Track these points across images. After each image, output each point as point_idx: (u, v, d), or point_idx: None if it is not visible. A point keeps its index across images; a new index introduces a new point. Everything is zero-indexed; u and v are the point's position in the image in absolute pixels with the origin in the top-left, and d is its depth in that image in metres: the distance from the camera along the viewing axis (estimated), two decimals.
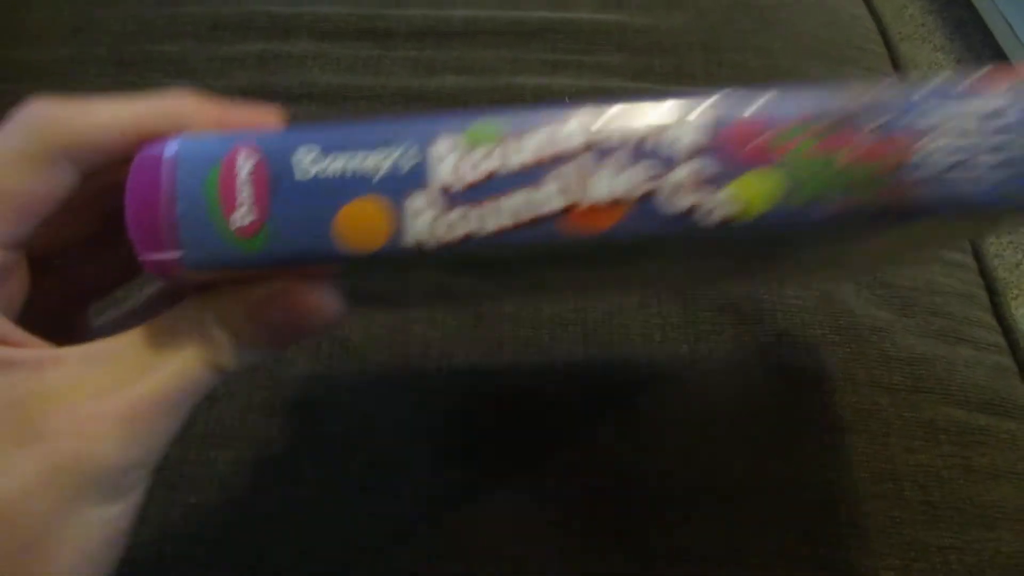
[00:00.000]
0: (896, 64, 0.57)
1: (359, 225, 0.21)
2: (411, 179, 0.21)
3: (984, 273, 0.46)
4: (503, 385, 0.39)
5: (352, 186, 0.21)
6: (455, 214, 0.21)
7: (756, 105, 0.21)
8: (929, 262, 0.45)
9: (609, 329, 0.42)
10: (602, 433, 0.38)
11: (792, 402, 0.39)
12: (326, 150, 0.21)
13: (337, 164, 0.21)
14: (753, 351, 0.40)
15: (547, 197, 0.21)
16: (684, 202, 0.20)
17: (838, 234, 0.23)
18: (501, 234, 0.21)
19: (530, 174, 0.21)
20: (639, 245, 0.22)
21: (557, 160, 0.21)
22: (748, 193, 0.20)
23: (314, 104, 0.52)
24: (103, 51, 0.56)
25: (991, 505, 0.36)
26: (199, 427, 0.37)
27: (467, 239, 0.21)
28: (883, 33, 0.59)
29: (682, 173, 0.21)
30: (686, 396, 0.39)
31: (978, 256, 0.47)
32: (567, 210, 0.21)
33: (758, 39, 0.55)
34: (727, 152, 0.21)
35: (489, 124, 0.21)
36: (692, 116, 0.21)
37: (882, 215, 0.20)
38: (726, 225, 0.20)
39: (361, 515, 0.36)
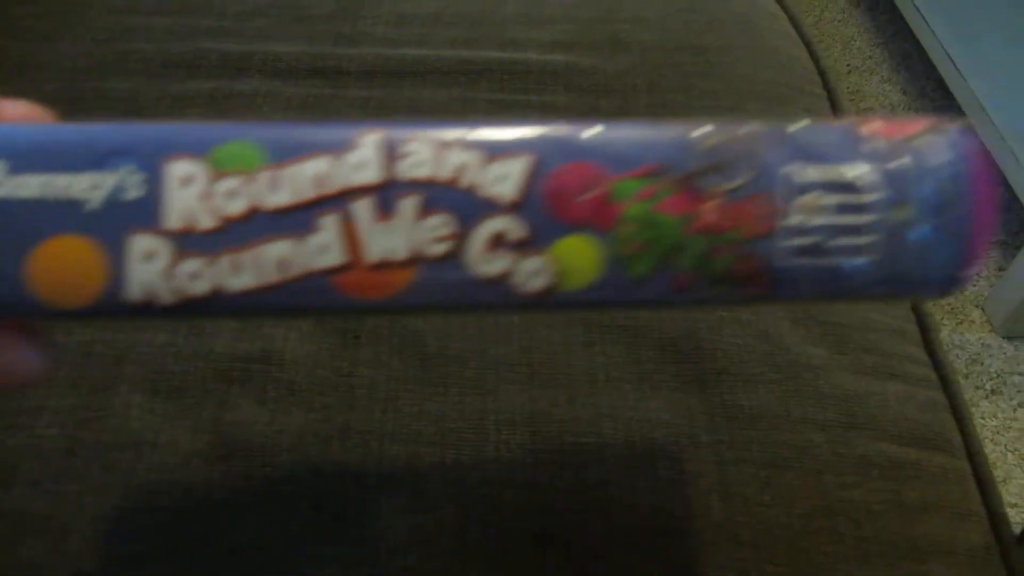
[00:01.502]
0: (835, 105, 0.59)
1: (62, 271, 0.16)
2: (134, 213, 0.16)
3: (915, 308, 0.47)
4: (447, 428, 0.40)
5: (52, 218, 0.16)
6: (196, 263, 0.16)
7: (586, 146, 0.17)
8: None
9: (554, 369, 0.42)
10: (546, 475, 0.38)
11: (730, 440, 0.40)
12: (16, 168, 0.16)
13: (31, 186, 0.16)
14: (694, 389, 0.41)
15: (320, 249, 0.16)
16: (491, 268, 0.16)
17: (687, 307, 0.19)
18: (260, 293, 0.16)
19: (298, 217, 0.16)
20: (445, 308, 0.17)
21: (336, 200, 0.16)
22: (571, 261, 0.17)
23: None
24: (52, 88, 0.56)
25: (921, 538, 0.38)
26: (138, 475, 0.37)
27: (214, 296, 0.16)
28: (822, 74, 0.61)
29: (488, 232, 0.17)
30: (629, 436, 0.40)
31: None
32: (346, 267, 0.16)
33: (700, 81, 0.57)
34: (546, 209, 0.17)
35: (245, 145, 0.17)
36: (508, 162, 0.17)
37: (734, 293, 0.17)
38: (543, 298, 0.17)
39: (307, 562, 0.36)
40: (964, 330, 1.13)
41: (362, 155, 0.16)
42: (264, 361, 0.41)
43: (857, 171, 0.17)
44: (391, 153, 0.17)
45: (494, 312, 0.18)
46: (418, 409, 0.41)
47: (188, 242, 0.16)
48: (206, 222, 0.16)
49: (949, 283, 0.18)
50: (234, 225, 0.16)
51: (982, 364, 1.10)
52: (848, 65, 1.49)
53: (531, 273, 0.17)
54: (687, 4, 0.63)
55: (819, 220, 0.17)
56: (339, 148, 0.17)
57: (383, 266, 0.16)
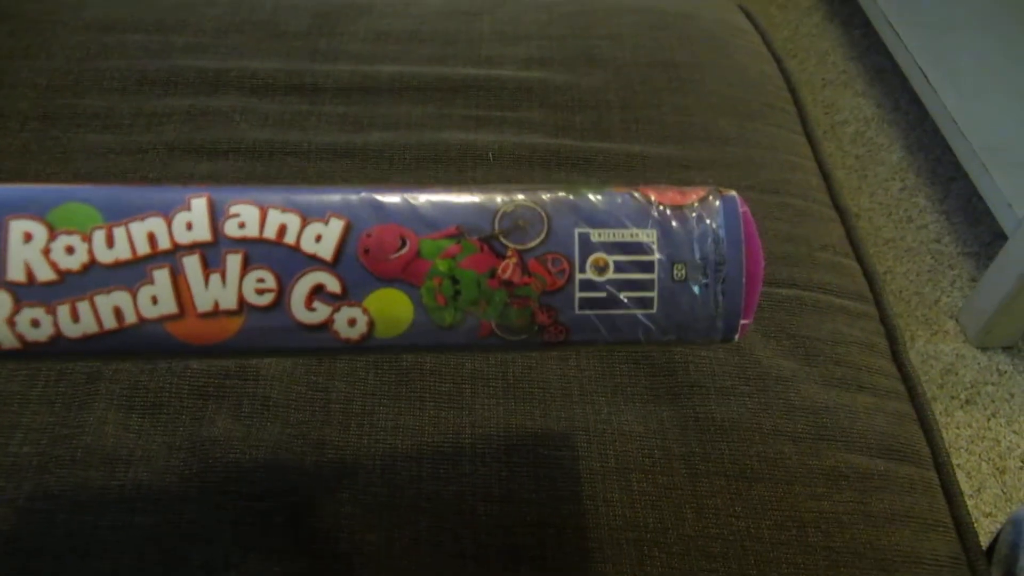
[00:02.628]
0: (804, 121, 0.60)
1: None
2: None
3: (884, 321, 0.48)
4: (423, 442, 0.40)
5: None
6: (36, 311, 0.18)
7: (395, 211, 0.19)
8: None
9: (529, 383, 0.43)
10: (520, 488, 0.39)
11: (702, 452, 0.40)
12: None
13: None
14: (666, 402, 0.42)
15: (153, 299, 0.18)
16: (312, 317, 0.19)
17: (494, 351, 0.22)
18: (98, 339, 0.18)
19: (132, 270, 0.18)
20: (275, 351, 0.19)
21: (167, 256, 0.18)
22: (384, 311, 0.19)
23: (241, 159, 0.53)
24: (26, 105, 0.56)
25: (889, 549, 0.38)
26: (113, 492, 0.37)
27: (55, 341, 0.18)
28: (792, 91, 0.62)
29: (308, 285, 0.19)
30: (603, 449, 0.40)
31: (879, 304, 0.49)
32: (178, 316, 0.18)
33: (673, 97, 0.58)
34: (360, 265, 0.19)
35: (83, 206, 0.18)
36: (325, 224, 0.19)
37: (535, 340, 0.19)
38: (361, 343, 0.19)
39: None
40: (938, 341, 1.15)
41: (191, 216, 0.18)
42: (240, 377, 0.41)
43: (641, 234, 0.20)
44: (218, 214, 0.18)
45: (320, 356, 0.20)
46: (394, 424, 0.41)
47: (28, 293, 0.18)
48: (45, 274, 0.18)
49: (727, 331, 0.20)
50: (72, 277, 0.18)
51: (956, 374, 1.11)
52: (823, 79, 1.51)
53: (349, 321, 0.19)
54: (659, 21, 0.64)
55: (608, 277, 0.20)
56: (170, 209, 0.18)
57: (212, 315, 0.18)
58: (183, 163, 0.52)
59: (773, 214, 0.52)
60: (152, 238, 0.18)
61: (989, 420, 1.07)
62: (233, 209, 0.19)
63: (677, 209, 0.21)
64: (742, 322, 0.21)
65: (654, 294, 0.20)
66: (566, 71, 0.59)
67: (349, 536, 0.37)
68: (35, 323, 0.18)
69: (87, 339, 0.18)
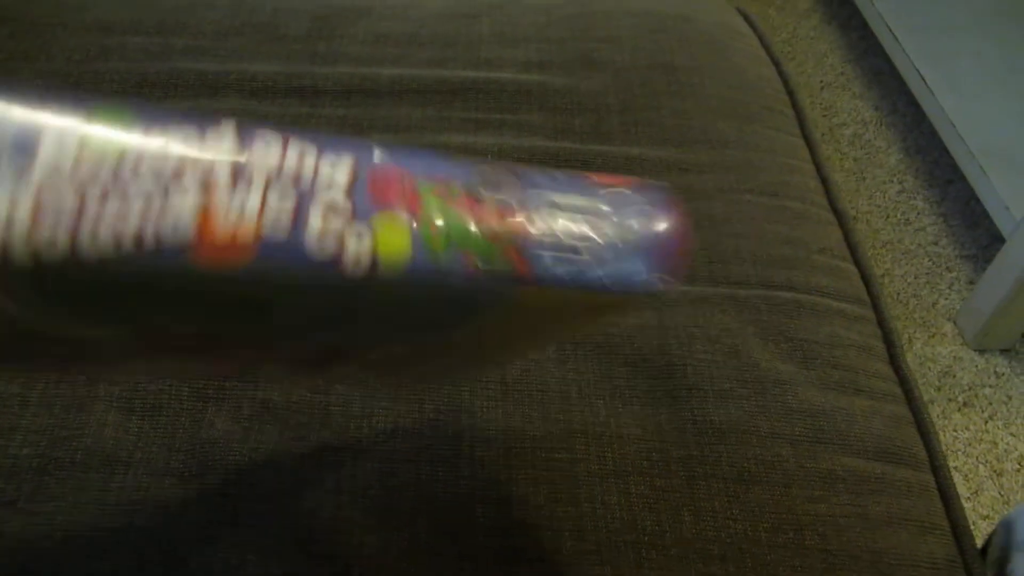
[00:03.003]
0: (802, 123, 0.61)
1: None
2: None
3: (882, 324, 0.49)
4: (422, 445, 0.40)
5: None
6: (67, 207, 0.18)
7: (394, 157, 0.22)
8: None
9: (528, 385, 0.43)
10: (518, 491, 0.39)
11: (700, 455, 0.40)
12: None
13: None
14: (664, 405, 0.42)
15: (179, 209, 0.18)
16: (327, 231, 0.20)
17: (469, 299, 0.24)
18: (119, 241, 0.18)
19: (160, 178, 0.19)
20: (273, 287, 0.20)
21: (191, 169, 0.19)
22: (387, 233, 0.21)
23: None
24: None
25: (886, 552, 0.38)
26: (113, 494, 0.37)
27: (75, 246, 0.18)
28: (791, 94, 0.63)
29: (324, 204, 0.20)
30: (601, 451, 0.40)
31: (876, 308, 0.49)
32: (200, 231, 0.19)
33: (672, 100, 0.58)
34: (369, 192, 0.21)
35: (119, 110, 0.19)
36: (339, 156, 0.21)
37: (508, 277, 0.22)
38: (372, 273, 0.20)
39: None
40: (936, 343, 1.15)
41: (221, 133, 0.20)
42: (240, 379, 0.41)
43: (595, 202, 0.24)
44: (244, 137, 0.20)
45: (330, 294, 0.22)
46: (393, 426, 0.41)
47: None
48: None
49: (654, 286, 0.25)
50: (103, 179, 0.18)
51: (954, 377, 1.11)
52: (821, 81, 1.52)
53: (358, 236, 0.20)
54: (658, 24, 0.64)
55: (566, 231, 0.24)
56: (202, 126, 0.20)
57: (232, 235, 0.19)
58: None
59: (772, 217, 0.52)
60: (185, 144, 0.19)
61: (986, 423, 1.07)
62: (259, 132, 0.20)
63: (619, 190, 0.25)
64: (666, 282, 0.25)
65: (600, 250, 0.24)
66: (565, 74, 0.59)
67: (347, 538, 0.37)
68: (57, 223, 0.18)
69: (106, 247, 0.18)
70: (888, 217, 1.31)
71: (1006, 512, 0.98)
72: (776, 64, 0.65)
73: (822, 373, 0.44)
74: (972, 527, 0.41)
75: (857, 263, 0.52)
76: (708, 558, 0.37)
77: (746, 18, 0.71)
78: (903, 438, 0.43)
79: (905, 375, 0.46)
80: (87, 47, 0.60)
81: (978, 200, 1.22)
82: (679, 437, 0.41)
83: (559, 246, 0.23)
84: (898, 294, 1.20)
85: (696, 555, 0.37)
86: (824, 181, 0.57)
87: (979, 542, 0.42)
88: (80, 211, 0.18)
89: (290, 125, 0.55)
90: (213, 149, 0.19)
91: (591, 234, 0.24)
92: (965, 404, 1.09)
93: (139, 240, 0.18)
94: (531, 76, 0.59)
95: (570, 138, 0.55)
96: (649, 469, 0.39)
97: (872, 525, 0.39)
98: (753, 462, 0.40)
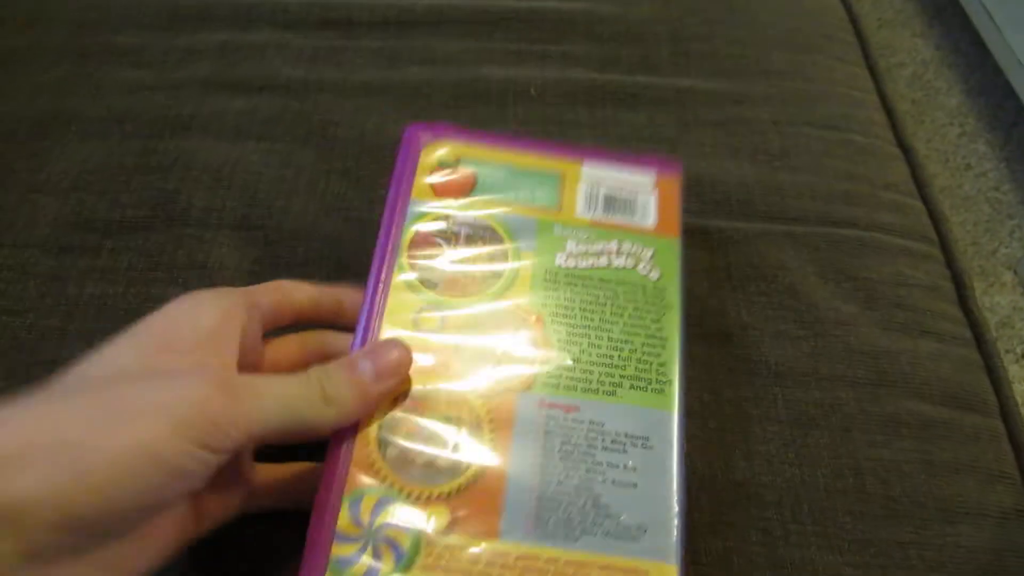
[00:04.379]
0: (866, 54, 0.57)
1: None
2: None
3: (951, 265, 0.46)
4: None
5: None
6: None
7: None
8: None
9: None
10: None
11: (755, 397, 0.38)
12: None
13: None
14: (717, 345, 0.40)
15: None
16: None
17: None
18: None
19: None
20: None
21: None
22: None
23: (276, 96, 0.51)
24: (60, 40, 0.55)
25: (952, 499, 0.36)
26: None
27: None
28: (853, 22, 0.59)
29: None
30: None
31: (945, 247, 0.46)
32: None
33: (725, 29, 0.55)
34: None
35: None
36: None
37: None
38: None
39: None
40: (995, 293, 1.11)
41: None
42: None
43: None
44: None
45: None
46: None
47: None
48: None
49: None
50: None
51: (1013, 328, 1.07)
52: (879, 19, 1.45)
53: None
54: None
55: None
56: None
57: None
58: (217, 99, 0.51)
59: (833, 152, 0.49)
60: None
61: None
62: None
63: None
64: None
65: None
66: (611, 2, 0.56)
67: None
68: None
69: None
70: (948, 162, 1.25)
71: None
72: None
73: (886, 313, 0.41)
74: None
75: (925, 200, 0.49)
76: (762, 503, 0.35)
77: None
78: (972, 383, 0.40)
79: (976, 318, 0.43)
80: None
81: None
82: (732, 378, 0.39)
83: None
84: (956, 241, 1.16)
85: (749, 500, 0.35)
86: (890, 114, 0.54)
87: None
88: None
89: (326, 59, 0.54)
90: None
91: None
92: (1023, 356, 1.05)
93: None
94: (575, 4, 0.56)
95: (617, 69, 0.53)
96: (701, 411, 0.38)
97: (937, 472, 0.37)
98: (811, 405, 0.38)
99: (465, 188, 0.36)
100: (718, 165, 0.47)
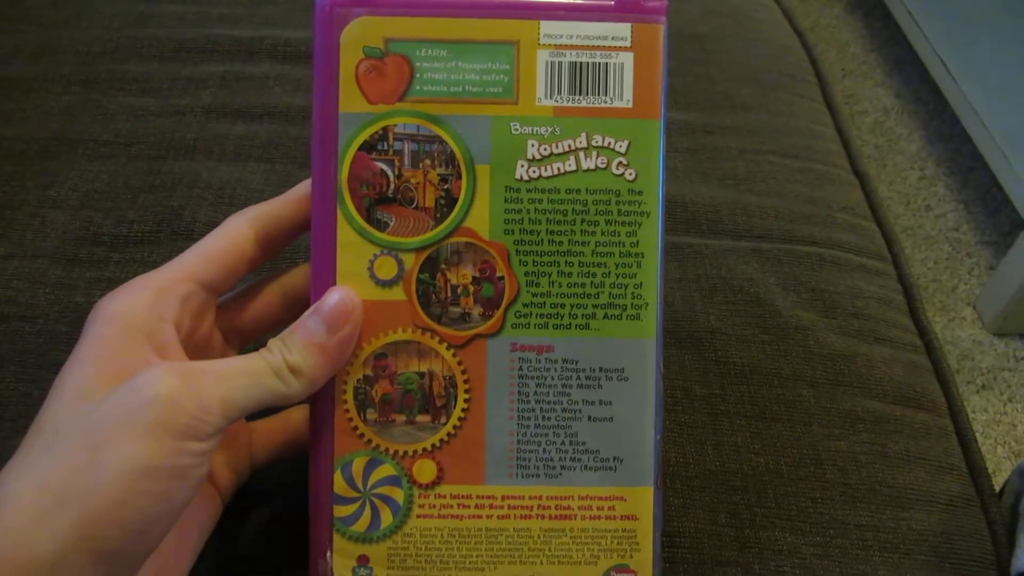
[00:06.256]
0: (825, 93, 0.61)
1: None
2: None
3: (902, 280, 0.49)
4: None
5: None
6: None
7: None
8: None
9: None
10: None
11: (723, 394, 0.41)
12: None
13: None
14: (688, 347, 0.43)
15: None
16: None
17: None
18: None
19: None
20: None
21: None
22: None
23: (276, 123, 0.55)
24: (68, 70, 0.58)
25: (904, 487, 0.39)
26: None
27: None
28: (814, 64, 0.64)
29: None
30: None
31: (897, 264, 0.50)
32: None
33: (697, 67, 0.59)
34: None
35: None
36: None
37: None
38: None
39: None
40: (955, 327, 1.15)
41: None
42: None
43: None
44: None
45: None
46: None
47: None
48: None
49: None
50: None
51: (973, 360, 1.12)
52: (843, 70, 1.52)
53: None
54: None
55: None
56: None
57: None
58: (219, 125, 0.54)
59: (794, 177, 0.53)
60: None
61: (1006, 405, 1.07)
62: None
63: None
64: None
65: None
66: None
67: None
68: None
69: None
70: (908, 203, 1.31)
71: None
72: (800, 35, 0.66)
73: (843, 321, 0.45)
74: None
75: (878, 222, 0.53)
76: (731, 489, 0.38)
77: None
78: (922, 385, 0.44)
79: (925, 327, 0.47)
80: (125, 14, 0.62)
81: (999, 187, 1.22)
82: (703, 377, 0.42)
83: None
84: (918, 278, 1.20)
85: (719, 486, 0.38)
86: (846, 145, 0.58)
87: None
88: None
89: None
90: None
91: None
92: (984, 387, 1.09)
93: None
94: None
95: None
96: (674, 406, 0.41)
97: (891, 463, 0.40)
98: (774, 402, 0.41)
99: (400, 84, 0.30)
100: (690, 188, 0.51)
